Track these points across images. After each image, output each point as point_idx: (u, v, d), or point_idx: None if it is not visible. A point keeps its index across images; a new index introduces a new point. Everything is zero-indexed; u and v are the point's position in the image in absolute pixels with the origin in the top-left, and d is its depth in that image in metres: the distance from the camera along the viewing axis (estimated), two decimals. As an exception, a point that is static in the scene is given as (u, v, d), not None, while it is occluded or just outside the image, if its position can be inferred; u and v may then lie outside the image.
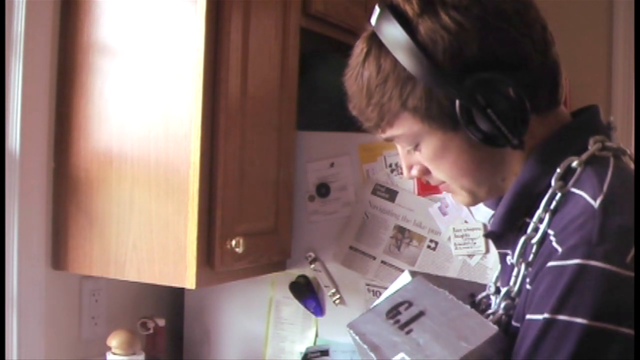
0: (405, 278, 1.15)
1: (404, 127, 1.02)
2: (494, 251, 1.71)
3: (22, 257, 1.66)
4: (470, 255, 1.75)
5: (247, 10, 1.68)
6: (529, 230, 0.97)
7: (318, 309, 1.88)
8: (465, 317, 0.98)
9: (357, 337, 1.01)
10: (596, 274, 0.85)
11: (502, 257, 1.08)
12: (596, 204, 0.90)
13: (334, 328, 1.87)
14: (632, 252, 0.86)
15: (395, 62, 0.98)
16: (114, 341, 1.76)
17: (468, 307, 1.02)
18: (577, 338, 0.85)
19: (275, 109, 1.80)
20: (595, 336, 0.85)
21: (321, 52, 2.06)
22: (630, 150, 1.03)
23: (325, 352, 1.87)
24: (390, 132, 1.04)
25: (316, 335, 1.90)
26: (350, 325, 1.03)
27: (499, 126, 0.94)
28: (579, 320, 0.85)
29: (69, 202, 1.73)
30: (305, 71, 1.93)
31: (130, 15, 1.68)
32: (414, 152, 1.05)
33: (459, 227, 1.75)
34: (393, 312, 1.02)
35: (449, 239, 1.76)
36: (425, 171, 1.07)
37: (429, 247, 1.78)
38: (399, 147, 1.08)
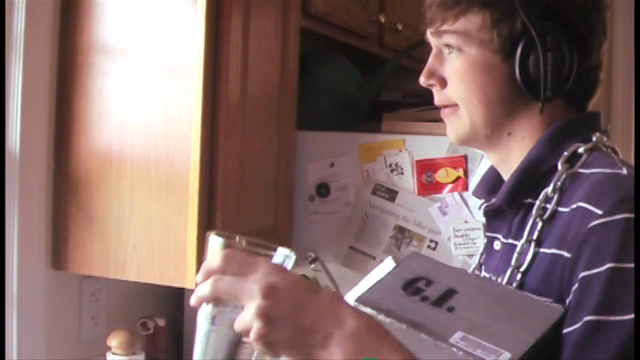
0: (388, 264, 1.09)
1: (466, 25, 1.04)
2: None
3: (22, 257, 1.66)
4: (470, 255, 1.75)
5: (247, 10, 1.68)
6: (535, 209, 1.00)
7: (318, 309, 1.87)
8: (511, 295, 0.95)
9: (375, 313, 0.88)
10: None
11: (490, 242, 1.11)
12: (623, 171, 0.96)
13: (334, 328, 1.87)
14: None
15: None
16: (114, 341, 1.76)
17: (496, 282, 1.01)
18: None
19: (275, 109, 1.80)
20: None
21: (321, 52, 2.06)
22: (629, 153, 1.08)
23: (325, 352, 1.87)
24: (448, 25, 1.05)
25: (316, 335, 1.89)
26: (364, 302, 0.91)
27: (546, 72, 1.00)
28: None
29: (69, 202, 1.73)
30: (305, 71, 1.93)
31: (130, 15, 1.68)
32: (448, 57, 1.06)
33: (459, 227, 1.75)
34: (411, 288, 0.94)
35: (449, 239, 1.76)
36: (442, 83, 1.08)
37: (429, 247, 1.78)
38: (433, 50, 1.09)
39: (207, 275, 0.83)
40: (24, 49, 1.64)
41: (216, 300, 0.84)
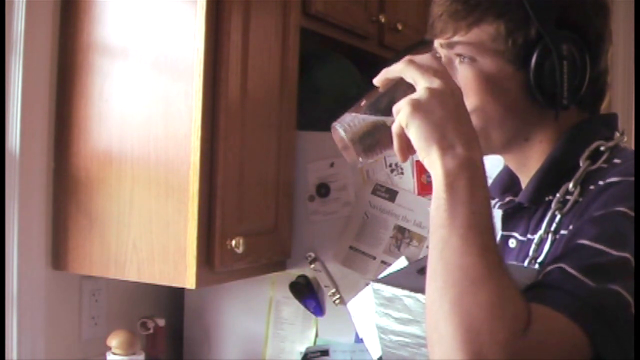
0: (402, 263, 1.11)
1: (480, 35, 1.03)
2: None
3: (22, 257, 1.66)
4: (470, 255, 1.74)
5: (247, 10, 1.68)
6: (554, 202, 1.01)
7: (318, 309, 1.88)
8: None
9: (397, 290, 0.93)
10: None
11: (504, 240, 1.11)
12: None
13: (334, 328, 1.87)
14: None
15: None
16: (114, 341, 1.76)
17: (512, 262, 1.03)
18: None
19: (275, 109, 1.80)
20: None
21: (321, 52, 2.06)
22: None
23: (325, 352, 1.87)
24: (460, 36, 1.04)
25: (316, 335, 1.89)
26: (385, 281, 0.95)
27: (562, 80, 1.00)
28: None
29: (69, 202, 1.73)
30: (305, 71, 1.93)
31: (130, 15, 1.68)
32: (460, 67, 1.05)
33: (459, 227, 1.75)
34: (426, 272, 0.97)
35: (449, 239, 1.76)
36: None
37: (429, 247, 1.78)
38: (443, 60, 1.07)
39: (407, 60, 0.92)
40: (24, 49, 1.64)
41: (396, 79, 0.94)
